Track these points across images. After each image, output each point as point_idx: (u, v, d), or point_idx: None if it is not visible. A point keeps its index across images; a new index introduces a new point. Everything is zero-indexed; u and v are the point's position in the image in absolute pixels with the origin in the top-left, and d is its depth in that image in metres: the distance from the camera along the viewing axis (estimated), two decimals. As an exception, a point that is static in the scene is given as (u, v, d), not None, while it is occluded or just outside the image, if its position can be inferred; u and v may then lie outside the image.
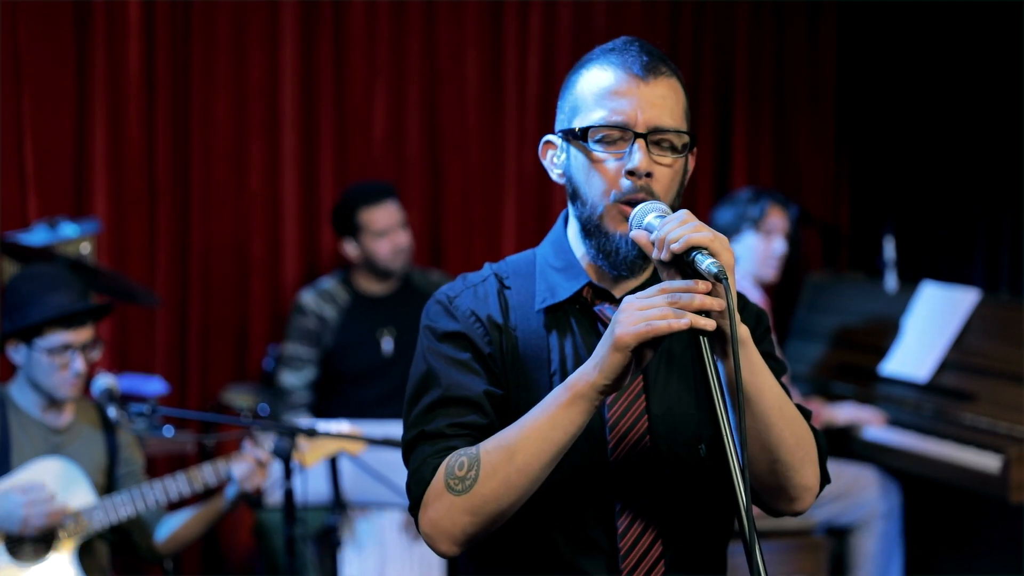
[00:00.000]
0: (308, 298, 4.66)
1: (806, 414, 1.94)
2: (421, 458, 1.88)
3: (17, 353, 3.42)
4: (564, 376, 1.89)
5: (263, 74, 4.95)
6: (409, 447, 1.92)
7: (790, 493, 1.90)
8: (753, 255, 4.68)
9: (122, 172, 4.75)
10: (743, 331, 1.76)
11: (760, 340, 1.96)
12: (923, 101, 5.55)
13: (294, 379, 4.60)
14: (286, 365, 4.62)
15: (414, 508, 1.88)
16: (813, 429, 1.94)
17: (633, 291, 1.91)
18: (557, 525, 1.88)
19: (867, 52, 5.77)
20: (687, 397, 1.94)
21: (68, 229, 4.17)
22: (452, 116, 5.23)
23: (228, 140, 4.92)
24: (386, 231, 4.60)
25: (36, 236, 4.12)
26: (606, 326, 1.91)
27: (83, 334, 3.39)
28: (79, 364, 3.38)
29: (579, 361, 1.91)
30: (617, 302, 1.93)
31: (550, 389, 1.86)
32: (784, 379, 1.99)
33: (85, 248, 4.18)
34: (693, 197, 5.50)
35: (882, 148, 5.77)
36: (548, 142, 2.02)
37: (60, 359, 3.36)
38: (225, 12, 4.89)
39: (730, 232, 4.63)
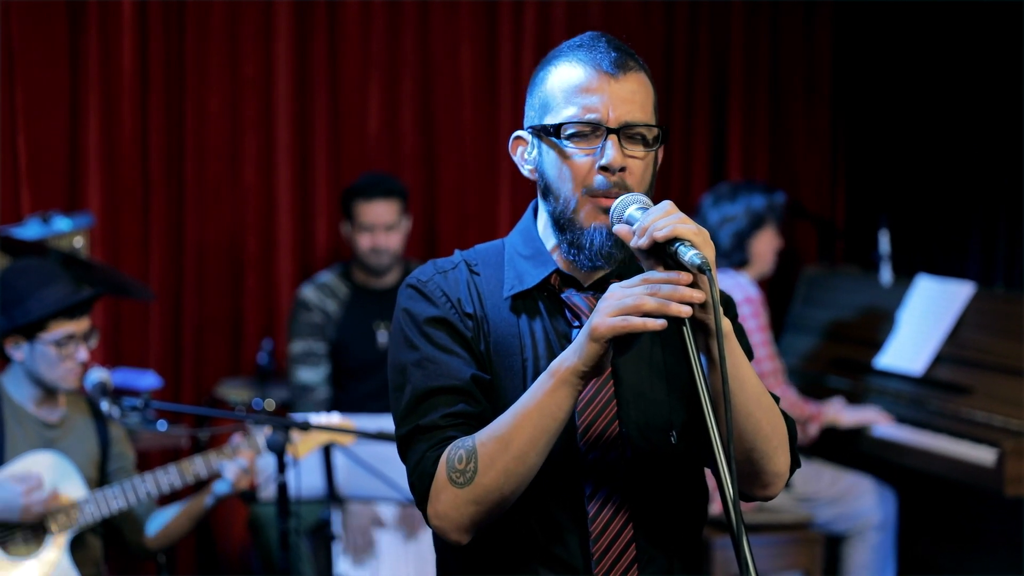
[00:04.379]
0: (309, 293, 4.62)
1: (775, 400, 1.96)
2: (420, 453, 1.89)
3: (18, 350, 3.42)
4: (536, 362, 1.92)
5: (257, 68, 4.94)
6: (406, 442, 1.92)
7: (764, 480, 1.93)
8: (772, 249, 4.62)
9: (115, 166, 4.75)
10: (725, 324, 1.77)
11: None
12: (919, 95, 5.54)
13: (312, 375, 4.55)
14: (301, 363, 4.54)
15: (421, 503, 1.89)
16: (783, 414, 1.96)
17: (601, 280, 1.95)
18: (531, 511, 1.89)
19: (863, 46, 5.76)
20: (658, 383, 1.96)
21: (61, 223, 4.16)
22: (446, 111, 5.22)
23: (222, 135, 4.92)
24: (370, 227, 4.57)
25: (29, 230, 4.12)
26: (573, 313, 1.95)
27: (83, 323, 3.44)
28: (83, 353, 3.43)
29: (550, 347, 1.93)
30: (584, 290, 1.96)
31: (523, 375, 1.90)
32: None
33: (78, 242, 4.18)
34: (688, 191, 5.50)
35: (877, 142, 5.76)
36: (518, 138, 2.03)
37: (66, 350, 3.40)
38: (219, 6, 4.88)
39: (753, 226, 4.56)
